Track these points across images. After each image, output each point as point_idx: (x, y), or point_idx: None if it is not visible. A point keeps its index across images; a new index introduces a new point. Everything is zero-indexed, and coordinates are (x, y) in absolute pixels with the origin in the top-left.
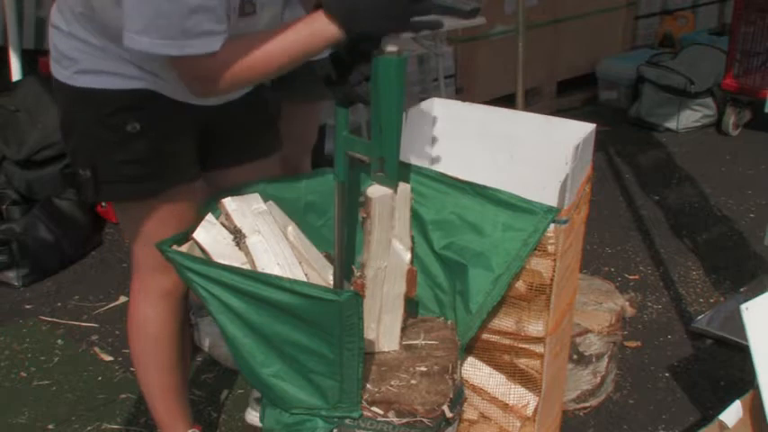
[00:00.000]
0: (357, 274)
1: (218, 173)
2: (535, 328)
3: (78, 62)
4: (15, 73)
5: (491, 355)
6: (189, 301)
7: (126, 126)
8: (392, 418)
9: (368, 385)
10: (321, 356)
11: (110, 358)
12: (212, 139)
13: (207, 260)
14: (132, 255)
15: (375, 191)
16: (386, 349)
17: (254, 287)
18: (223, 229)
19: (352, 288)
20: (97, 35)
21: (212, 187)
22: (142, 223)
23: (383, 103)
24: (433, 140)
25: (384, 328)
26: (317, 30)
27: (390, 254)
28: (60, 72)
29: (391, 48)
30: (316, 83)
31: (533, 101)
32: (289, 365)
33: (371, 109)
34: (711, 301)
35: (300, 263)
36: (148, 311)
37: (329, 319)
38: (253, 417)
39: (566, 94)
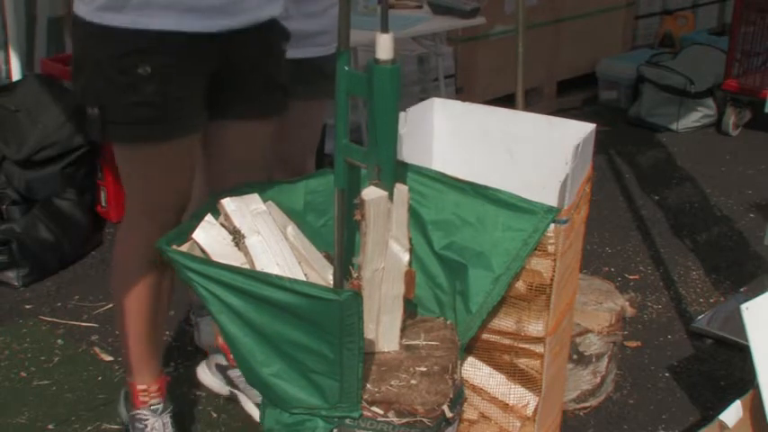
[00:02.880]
0: (354, 275)
1: (220, 124)
2: (535, 328)
3: None
4: (15, 73)
5: (491, 355)
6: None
7: (137, 68)
8: (392, 418)
9: (368, 385)
10: (321, 356)
11: (110, 358)
12: (221, 85)
13: (207, 259)
14: (125, 198)
15: (370, 193)
16: (385, 349)
17: (254, 286)
18: (222, 229)
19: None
20: None
21: (212, 144)
22: (142, 168)
23: (378, 111)
24: (433, 140)
25: (383, 329)
26: None
27: (388, 255)
28: (81, 7)
29: (385, 56)
30: (318, 80)
31: (533, 101)
32: (289, 365)
33: (368, 117)
34: (711, 301)
35: (300, 263)
36: (130, 257)
37: (329, 318)
38: (206, 379)
39: (566, 94)
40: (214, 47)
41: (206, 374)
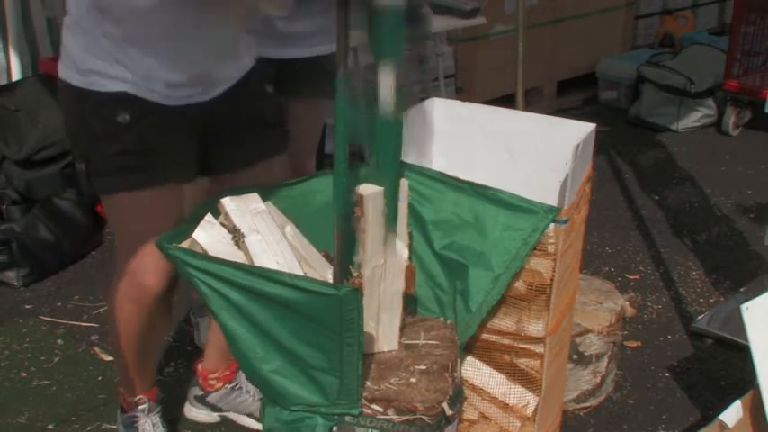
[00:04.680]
0: (354, 273)
1: (226, 177)
2: (535, 328)
3: (75, 61)
4: (15, 73)
5: (491, 355)
6: (173, 298)
7: (117, 117)
8: (392, 415)
9: (367, 383)
10: (321, 352)
11: (110, 358)
12: (214, 142)
13: (208, 256)
14: (116, 250)
15: (367, 189)
16: (385, 348)
17: (254, 282)
18: (222, 228)
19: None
20: (98, 22)
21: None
22: (129, 219)
23: (384, 164)
24: (433, 140)
25: (383, 327)
26: None
27: (388, 251)
28: (62, 70)
29: (386, 97)
30: (318, 80)
31: (533, 101)
32: (288, 361)
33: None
34: (711, 301)
35: (299, 262)
36: (126, 306)
37: (329, 314)
38: (194, 413)
39: (566, 94)
40: (193, 107)
41: (191, 410)
